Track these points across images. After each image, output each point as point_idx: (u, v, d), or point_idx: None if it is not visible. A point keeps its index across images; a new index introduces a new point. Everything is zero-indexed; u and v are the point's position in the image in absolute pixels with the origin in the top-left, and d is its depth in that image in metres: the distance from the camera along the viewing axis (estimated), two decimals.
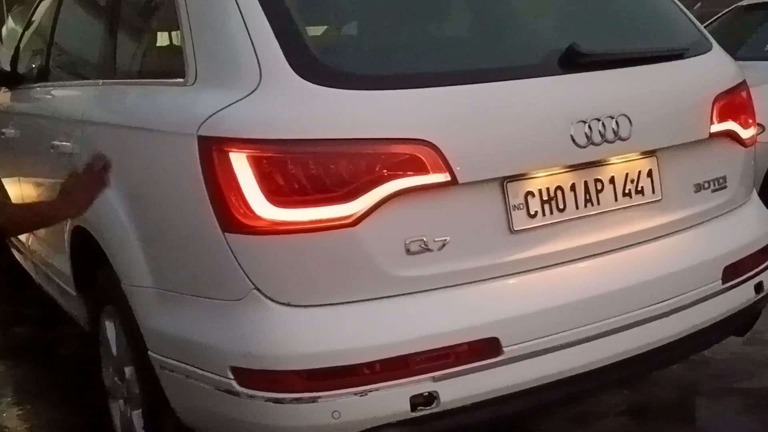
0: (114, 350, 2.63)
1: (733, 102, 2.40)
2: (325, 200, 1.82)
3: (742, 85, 2.47)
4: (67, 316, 3.29)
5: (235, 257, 1.87)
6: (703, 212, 2.33)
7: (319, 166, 1.83)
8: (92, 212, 2.44)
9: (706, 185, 2.35)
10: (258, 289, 1.86)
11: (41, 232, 3.31)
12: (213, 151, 1.88)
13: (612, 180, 2.14)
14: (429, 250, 1.90)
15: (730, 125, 2.38)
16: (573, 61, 2.07)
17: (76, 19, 3.26)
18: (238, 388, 1.88)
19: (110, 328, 2.67)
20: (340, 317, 1.85)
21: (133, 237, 2.22)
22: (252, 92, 1.89)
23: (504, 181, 1.98)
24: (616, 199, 2.15)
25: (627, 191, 2.17)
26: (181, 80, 2.13)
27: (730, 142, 2.40)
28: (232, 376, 1.89)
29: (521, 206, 2.00)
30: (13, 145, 3.50)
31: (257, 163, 1.83)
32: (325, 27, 2.10)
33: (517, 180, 2.00)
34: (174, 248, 2.08)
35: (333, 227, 1.82)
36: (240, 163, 1.84)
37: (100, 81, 2.68)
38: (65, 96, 2.97)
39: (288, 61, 1.88)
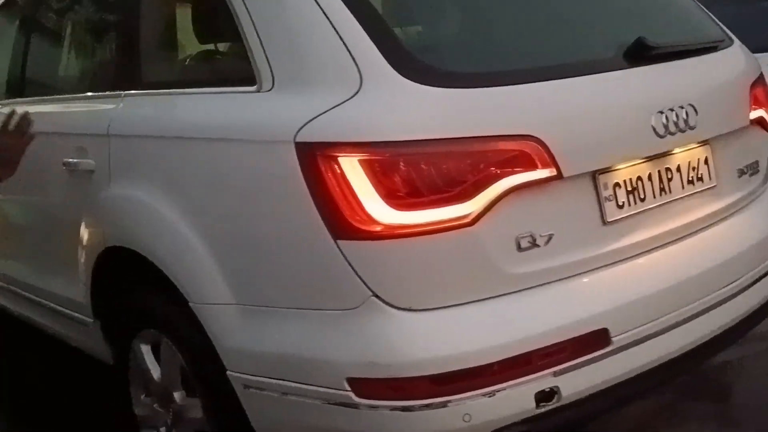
0: (156, 375, 2.50)
1: (762, 90, 2.53)
2: (442, 201, 1.79)
3: (762, 75, 2.61)
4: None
5: (350, 264, 1.81)
6: (747, 195, 2.44)
7: (432, 166, 1.79)
8: (142, 232, 2.33)
9: (746, 170, 2.46)
10: (377, 296, 1.80)
11: (35, 259, 3.10)
12: (318, 157, 1.82)
13: (678, 168, 2.21)
14: (537, 245, 1.90)
15: (761, 112, 2.50)
16: (642, 54, 2.12)
17: (80, 27, 3.07)
18: (356, 399, 1.82)
19: (147, 353, 2.53)
20: (462, 318, 1.82)
21: (204, 253, 2.10)
22: (354, 95, 1.83)
23: (595, 174, 2.01)
24: (682, 187, 2.22)
25: (690, 179, 2.24)
26: (251, 87, 2.05)
27: (760, 129, 2.53)
28: (349, 388, 1.83)
29: (611, 198, 2.04)
30: None
31: (371, 167, 1.78)
32: (416, 25, 2.06)
33: (606, 172, 2.03)
34: (266, 261, 1.98)
35: (452, 227, 1.79)
36: (352, 168, 1.79)
37: (124, 93, 2.52)
38: (74, 110, 2.77)
39: (389, 61, 1.84)
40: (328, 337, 1.87)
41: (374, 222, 1.78)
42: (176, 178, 2.21)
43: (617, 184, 2.05)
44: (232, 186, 2.05)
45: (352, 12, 1.92)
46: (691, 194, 2.25)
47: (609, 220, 2.03)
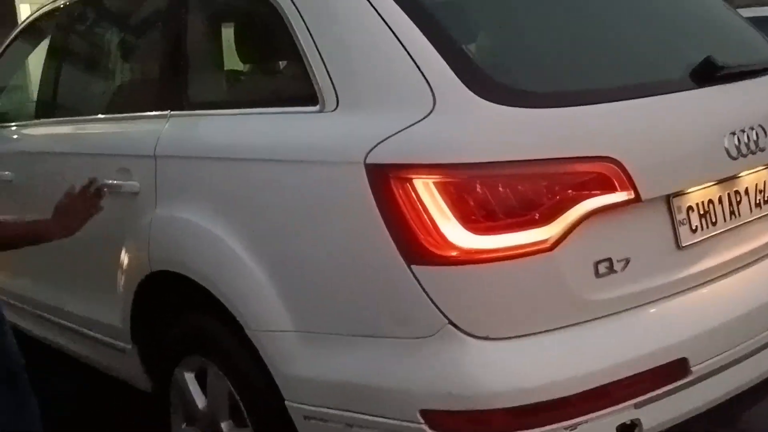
0: (200, 404, 2.42)
1: None
2: (520, 225, 1.72)
3: None
4: None
5: (424, 290, 1.73)
6: None
7: (510, 189, 1.73)
8: (194, 256, 2.25)
9: None
10: (453, 324, 1.73)
11: (69, 284, 3.01)
12: (390, 178, 1.75)
13: (746, 191, 2.15)
14: (614, 271, 1.83)
15: None
16: (711, 74, 2.07)
17: (119, 47, 3.02)
18: None
19: (191, 380, 2.45)
20: (542, 348, 1.75)
21: (263, 279, 2.02)
22: (427, 115, 1.77)
23: (669, 197, 1.94)
24: (751, 210, 2.16)
25: (758, 201, 2.19)
26: (313, 107, 1.99)
27: None
28: (422, 420, 1.75)
29: (685, 221, 1.98)
30: (20, 189, 3.18)
31: (447, 189, 1.72)
32: (487, 43, 2.00)
33: (680, 195, 1.97)
34: (332, 287, 1.91)
35: (531, 253, 1.72)
36: (427, 190, 1.72)
37: (170, 113, 2.45)
38: (115, 131, 2.70)
39: (462, 80, 1.78)
40: (400, 366, 1.80)
41: (451, 246, 1.71)
42: (232, 200, 2.14)
43: (690, 208, 1.99)
44: (295, 208, 1.98)
45: (422, 31, 1.86)
46: (760, 217, 2.19)
47: (683, 244, 1.97)
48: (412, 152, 1.76)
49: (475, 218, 1.71)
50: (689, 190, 1.99)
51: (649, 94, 1.95)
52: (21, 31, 3.66)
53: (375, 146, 1.78)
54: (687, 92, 2.04)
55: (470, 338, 1.73)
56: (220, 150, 2.20)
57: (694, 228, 1.99)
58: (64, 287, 3.02)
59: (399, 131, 1.78)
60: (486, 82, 1.80)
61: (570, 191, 1.75)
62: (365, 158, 1.79)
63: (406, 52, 1.85)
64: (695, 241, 1.99)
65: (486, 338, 1.74)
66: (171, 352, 2.50)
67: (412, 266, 1.74)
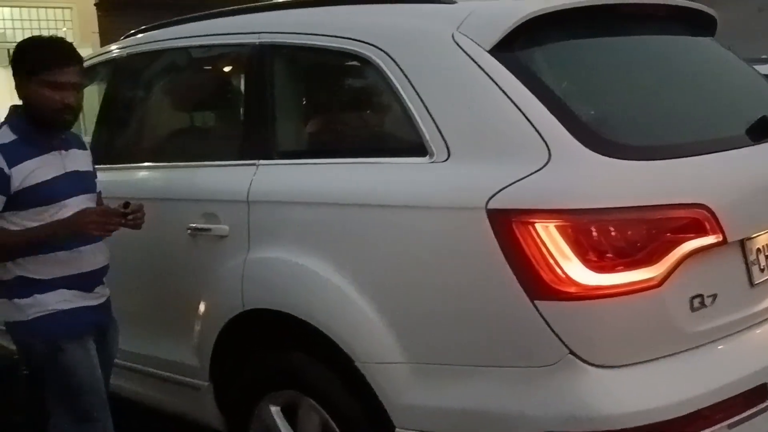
0: None
1: None
2: (631, 264, 1.93)
3: None
4: None
5: (547, 323, 1.93)
6: None
7: (622, 232, 1.94)
8: (296, 294, 2.39)
9: None
10: (574, 353, 1.92)
11: (135, 324, 3.07)
12: (513, 223, 1.95)
13: None
14: (705, 306, 2.05)
15: None
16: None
17: (201, 94, 3.16)
18: None
19: (277, 414, 2.57)
20: (652, 375, 1.95)
21: (371, 314, 2.19)
22: (544, 166, 1.98)
23: (743, 241, 2.18)
24: None
25: None
26: (422, 157, 2.18)
27: None
28: None
29: (755, 262, 2.21)
30: None
31: (566, 232, 1.92)
32: (589, 102, 2.22)
33: (751, 239, 2.21)
34: (447, 321, 2.08)
35: (641, 289, 1.93)
36: (548, 233, 1.92)
37: (259, 161, 2.60)
38: (199, 177, 2.83)
39: (573, 135, 2.00)
40: (521, 393, 1.98)
41: (572, 283, 1.91)
42: (339, 242, 2.30)
43: (759, 250, 2.23)
44: (409, 249, 2.15)
45: (529, 90, 2.09)
46: None
47: (755, 282, 2.20)
48: (533, 199, 1.96)
49: (592, 258, 1.92)
50: (757, 234, 2.23)
51: (728, 148, 2.21)
52: None
53: (496, 193, 1.98)
54: (757, 146, 2.29)
55: (589, 366, 1.93)
56: (324, 196, 2.36)
57: (762, 267, 2.23)
58: (134, 329, 3.08)
59: (519, 180, 1.98)
60: (594, 138, 2.02)
61: (671, 234, 1.98)
62: (486, 204, 1.98)
63: (518, 110, 2.06)
64: (764, 279, 2.23)
65: (603, 366, 1.93)
66: (255, 387, 2.62)
67: (535, 301, 1.93)
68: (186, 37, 3.10)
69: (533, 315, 1.94)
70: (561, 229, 1.92)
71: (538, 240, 1.93)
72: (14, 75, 2.50)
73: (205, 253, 2.71)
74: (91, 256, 2.58)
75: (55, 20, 12.75)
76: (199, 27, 3.09)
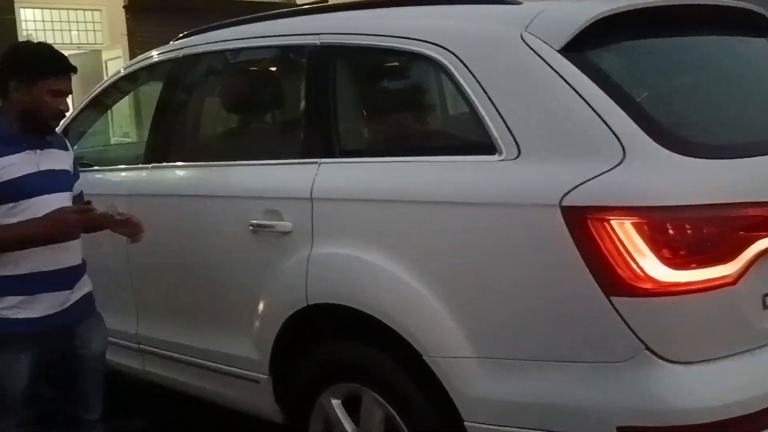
0: (349, 429, 2.58)
1: None
2: (708, 261, 1.96)
3: None
4: None
5: (623, 319, 1.95)
6: None
7: (697, 229, 1.97)
8: (364, 289, 2.43)
9: None
10: (649, 349, 1.95)
11: (195, 319, 3.12)
12: (588, 219, 1.98)
13: None
14: None
15: None
16: None
17: (259, 92, 3.21)
18: None
19: (338, 407, 2.61)
20: (725, 371, 1.98)
21: (441, 309, 2.23)
22: (619, 164, 2.01)
23: None
24: None
25: None
26: (491, 155, 2.22)
27: None
28: None
29: None
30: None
31: (643, 229, 1.95)
32: (661, 100, 2.25)
33: None
34: (519, 316, 2.12)
35: (717, 286, 1.96)
36: (625, 230, 1.95)
37: (321, 159, 2.64)
38: (259, 174, 2.88)
39: (648, 134, 2.03)
40: (596, 387, 2.00)
41: (648, 279, 1.94)
42: (407, 238, 2.34)
43: None
44: (480, 244, 2.19)
45: (602, 88, 2.12)
46: None
47: None
48: (609, 196, 1.99)
49: (668, 255, 1.95)
50: None
51: None
52: (123, 77, 3.85)
53: (570, 190, 2.02)
54: None
55: (665, 362, 1.95)
56: (391, 193, 2.40)
57: None
58: (192, 323, 3.14)
59: (594, 177, 2.01)
60: (668, 136, 2.05)
61: (746, 232, 2.00)
62: (560, 201, 2.02)
63: (590, 108, 2.09)
64: None
65: (678, 362, 1.96)
66: (316, 381, 2.66)
67: (611, 297, 1.96)
68: (244, 39, 3.15)
69: (609, 311, 1.97)
70: (637, 226, 1.95)
71: (614, 237, 1.96)
72: (7, 79, 2.54)
73: (267, 249, 2.75)
74: (57, 255, 2.60)
75: (84, 22, 12.88)
76: (257, 28, 3.15)
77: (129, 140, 7.42)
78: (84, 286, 2.76)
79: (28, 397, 2.65)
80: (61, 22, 12.65)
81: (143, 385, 3.60)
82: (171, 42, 3.63)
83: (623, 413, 1.96)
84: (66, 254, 2.64)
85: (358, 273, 2.45)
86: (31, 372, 2.62)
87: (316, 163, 2.66)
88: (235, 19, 3.35)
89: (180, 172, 3.24)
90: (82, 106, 4.08)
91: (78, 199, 2.81)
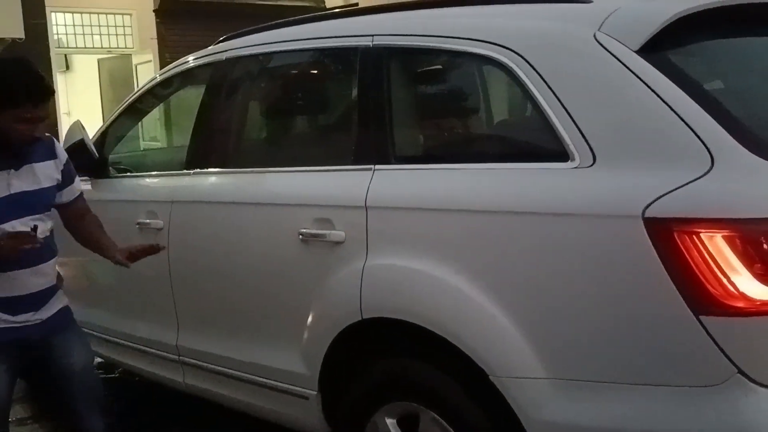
0: None
1: None
2: None
3: None
4: None
5: (713, 340, 1.81)
6: None
7: None
8: (426, 304, 2.30)
9: None
10: (742, 373, 1.80)
11: (239, 331, 3.01)
12: (675, 232, 1.84)
13: None
14: None
15: None
16: None
17: (308, 99, 3.10)
18: None
19: (393, 427, 2.49)
20: None
21: (510, 327, 2.10)
22: (707, 173, 1.87)
23: None
24: None
25: None
26: (563, 162, 2.08)
27: None
28: None
29: None
30: (175, 238, 3.22)
31: (736, 243, 1.80)
32: (747, 105, 2.11)
33: None
34: (600, 336, 1.98)
35: None
36: (716, 244, 1.81)
37: (375, 166, 2.52)
38: (308, 182, 2.76)
39: (737, 140, 1.89)
40: (682, 413, 1.86)
41: (742, 297, 1.79)
42: (472, 250, 2.21)
43: None
44: (550, 258, 2.05)
45: (684, 91, 1.98)
46: None
47: None
48: (697, 207, 1.85)
49: (763, 271, 1.80)
50: None
51: None
52: (160, 82, 3.76)
53: (654, 201, 1.87)
54: None
55: (759, 387, 1.80)
56: (456, 203, 2.26)
57: None
58: (238, 335, 3.03)
59: (680, 186, 1.87)
60: (758, 142, 1.90)
61: None
62: (643, 212, 1.88)
63: (672, 112, 1.95)
64: None
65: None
66: (370, 398, 2.54)
67: (701, 316, 1.82)
68: (292, 41, 3.04)
69: (698, 330, 1.82)
70: (729, 240, 1.81)
71: (703, 251, 1.82)
72: None
73: (318, 259, 2.63)
74: (27, 280, 2.53)
75: (115, 26, 12.89)
76: (304, 30, 3.04)
77: (158, 145, 7.38)
78: (58, 302, 2.68)
79: (4, 413, 2.59)
80: (91, 26, 12.67)
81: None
82: (211, 45, 3.54)
83: None
84: (36, 279, 2.56)
85: (418, 286, 2.32)
86: (5, 385, 2.55)
87: (370, 169, 2.54)
88: (279, 21, 3.24)
89: (225, 179, 3.14)
90: (119, 111, 4.01)
91: (77, 201, 2.75)
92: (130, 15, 12.91)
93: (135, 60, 12.83)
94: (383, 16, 2.75)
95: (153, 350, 3.48)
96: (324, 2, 13.04)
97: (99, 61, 13.18)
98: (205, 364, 3.19)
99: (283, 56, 3.13)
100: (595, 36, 2.13)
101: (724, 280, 1.80)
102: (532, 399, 2.08)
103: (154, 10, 12.73)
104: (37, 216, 2.54)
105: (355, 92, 2.73)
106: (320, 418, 2.75)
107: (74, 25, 12.52)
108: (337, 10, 2.93)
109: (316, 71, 3.15)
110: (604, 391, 1.98)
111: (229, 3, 12.58)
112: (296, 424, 2.91)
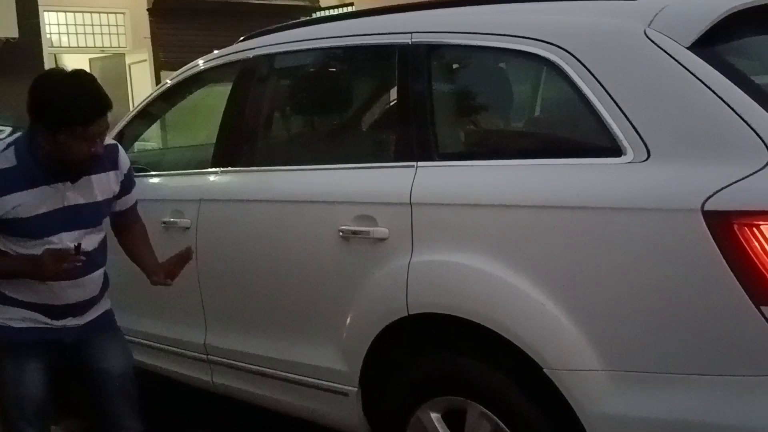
0: None
1: None
2: None
3: None
4: None
5: None
6: None
7: None
8: (477, 299, 2.32)
9: None
10: None
11: (275, 330, 3.00)
12: (735, 225, 1.87)
13: None
14: None
15: None
16: None
17: (341, 100, 3.11)
18: None
19: (438, 421, 2.51)
20: None
21: (564, 320, 2.12)
22: (765, 166, 1.90)
23: None
24: None
25: None
26: (616, 157, 2.11)
27: None
28: None
29: None
30: (203, 237, 3.22)
31: None
32: None
33: None
34: (658, 328, 2.00)
35: None
36: None
37: (417, 163, 2.53)
38: (346, 179, 2.77)
39: None
40: (745, 403, 1.89)
41: None
42: (524, 245, 2.23)
43: None
44: (606, 252, 2.07)
45: (739, 87, 2.01)
46: None
47: None
48: (757, 200, 1.88)
49: None
50: None
51: None
52: (179, 83, 3.74)
53: (714, 194, 1.91)
54: None
55: None
56: (508, 198, 2.28)
57: None
58: (273, 333, 3.02)
59: (739, 180, 1.90)
60: None
61: None
62: (702, 205, 1.91)
63: (728, 107, 1.98)
64: None
65: None
66: (415, 393, 2.55)
67: (762, 307, 1.85)
68: (325, 38, 3.05)
69: (759, 321, 1.85)
70: None
71: (764, 242, 1.85)
72: (34, 119, 2.31)
73: (359, 256, 2.64)
74: (64, 292, 2.52)
75: (108, 25, 12.84)
76: (338, 27, 3.04)
77: (153, 145, 7.32)
78: (99, 308, 2.68)
79: (42, 411, 2.60)
80: (84, 25, 12.61)
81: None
82: (235, 44, 3.54)
83: None
84: (74, 291, 2.55)
85: (468, 282, 2.34)
86: (43, 382, 2.56)
87: (413, 166, 2.56)
88: (309, 18, 3.26)
89: (257, 177, 3.13)
90: (137, 111, 4.00)
91: (130, 211, 2.74)
92: (124, 14, 12.86)
93: (129, 59, 12.78)
94: (424, 13, 2.76)
95: (180, 350, 3.47)
96: (318, 2, 13.04)
97: (90, 60, 13.10)
98: (235, 363, 3.18)
99: (317, 53, 3.13)
100: (645, 32, 2.15)
101: None
102: (588, 392, 2.10)
103: (147, 9, 12.69)
104: (87, 230, 2.52)
105: (394, 90, 2.74)
106: (360, 414, 2.76)
107: (67, 24, 12.46)
108: (372, 8, 2.92)
109: (353, 68, 3.16)
110: (662, 382, 2.01)
111: (223, 2, 12.55)
112: (334, 421, 2.91)
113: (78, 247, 2.41)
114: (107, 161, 2.56)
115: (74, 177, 2.46)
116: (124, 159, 2.64)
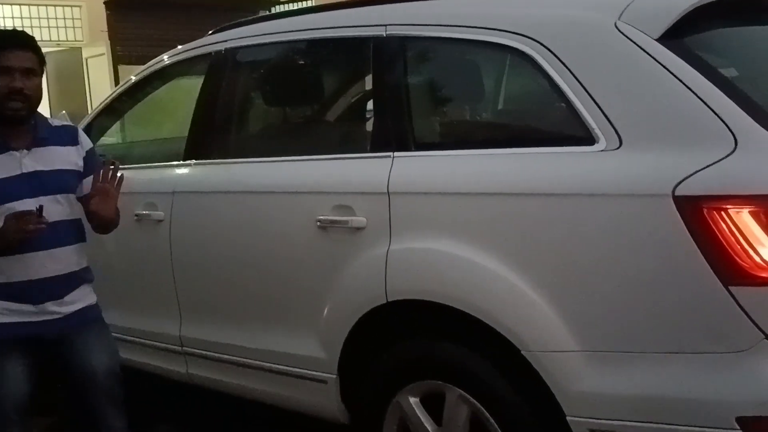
0: (431, 428, 2.53)
1: None
2: None
3: None
4: None
5: (742, 308, 1.94)
6: None
7: None
8: (454, 284, 2.39)
9: None
10: None
11: (253, 320, 3.03)
12: (704, 209, 1.96)
13: None
14: None
15: None
16: None
17: (316, 92, 3.14)
18: None
19: (417, 405, 2.57)
20: None
21: (541, 303, 2.20)
22: (731, 153, 1.99)
23: None
24: None
25: None
26: (589, 146, 2.19)
27: None
28: (738, 427, 1.94)
29: None
30: (178, 229, 3.23)
31: (761, 218, 1.93)
32: (761, 86, 2.24)
33: None
34: (632, 309, 2.09)
35: None
36: (743, 219, 1.93)
37: (394, 153, 2.58)
38: (325, 170, 2.80)
39: (757, 122, 2.02)
40: (713, 378, 1.99)
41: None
42: (500, 232, 2.29)
43: None
44: (580, 237, 2.15)
45: (705, 77, 2.10)
46: None
47: None
48: (724, 185, 1.97)
49: None
50: None
51: None
52: (147, 76, 3.74)
53: (683, 180, 1.99)
54: None
55: None
56: (482, 186, 2.35)
57: None
58: (249, 323, 3.05)
59: (707, 166, 1.99)
60: None
61: None
62: (673, 191, 1.99)
63: (696, 97, 2.07)
64: None
65: None
66: (393, 379, 2.61)
67: (730, 287, 1.94)
68: (299, 30, 3.08)
69: (727, 300, 1.95)
70: (755, 215, 1.93)
71: (731, 225, 1.94)
72: None
73: (337, 245, 2.69)
74: (40, 262, 2.52)
75: (64, 18, 12.64)
76: (311, 20, 3.07)
77: (113, 140, 7.26)
78: (83, 299, 2.67)
79: (24, 409, 2.58)
80: (39, 18, 12.40)
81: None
82: (205, 36, 3.54)
83: (743, 404, 1.95)
84: (51, 264, 2.54)
85: (446, 268, 2.40)
86: (23, 380, 2.55)
87: (389, 156, 2.61)
88: (282, 11, 3.28)
89: (232, 168, 3.16)
90: (104, 104, 3.98)
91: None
92: (80, 7, 12.67)
93: (86, 53, 12.58)
94: (398, 6, 2.81)
95: (154, 342, 3.47)
96: None
97: (46, 54, 12.84)
98: (211, 353, 3.20)
99: (291, 46, 3.16)
100: (616, 25, 2.23)
101: (752, 252, 1.93)
102: (566, 372, 2.18)
103: (104, 2, 12.52)
104: (51, 197, 2.53)
105: (369, 82, 2.79)
106: (338, 401, 2.81)
107: (22, 18, 12.22)
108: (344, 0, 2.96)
109: (329, 61, 3.20)
110: (636, 360, 2.09)
111: None
112: (312, 408, 2.94)
113: (40, 209, 2.41)
114: (66, 135, 2.62)
115: (31, 145, 2.50)
116: (84, 138, 2.69)
